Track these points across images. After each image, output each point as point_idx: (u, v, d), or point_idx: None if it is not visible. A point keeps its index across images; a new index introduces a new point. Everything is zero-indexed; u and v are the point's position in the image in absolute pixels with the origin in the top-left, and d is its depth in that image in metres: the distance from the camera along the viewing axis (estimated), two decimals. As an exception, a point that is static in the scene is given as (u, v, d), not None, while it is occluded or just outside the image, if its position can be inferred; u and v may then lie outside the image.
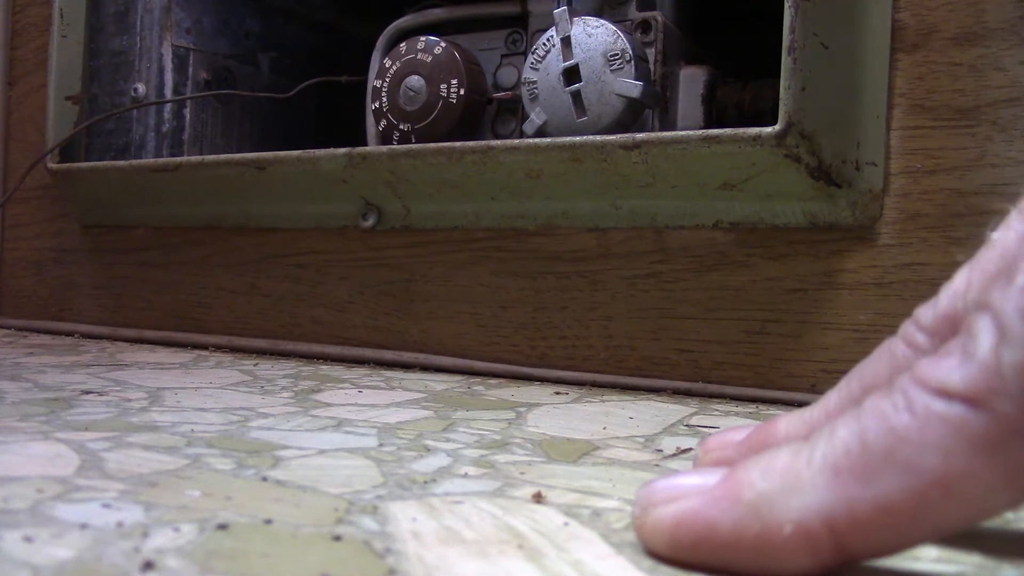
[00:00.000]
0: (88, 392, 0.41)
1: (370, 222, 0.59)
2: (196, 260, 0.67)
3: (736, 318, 0.49)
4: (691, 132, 0.45)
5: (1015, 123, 0.43)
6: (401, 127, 0.59)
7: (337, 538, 0.21)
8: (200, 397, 0.40)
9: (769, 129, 0.43)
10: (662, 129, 0.54)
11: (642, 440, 0.34)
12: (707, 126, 0.55)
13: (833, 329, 0.46)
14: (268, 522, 0.22)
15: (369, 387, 0.47)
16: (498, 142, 0.50)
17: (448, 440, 0.33)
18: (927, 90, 0.45)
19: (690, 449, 0.33)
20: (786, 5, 0.43)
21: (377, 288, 0.60)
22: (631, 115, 0.52)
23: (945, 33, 0.45)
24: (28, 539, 0.20)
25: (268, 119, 0.79)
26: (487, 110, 0.59)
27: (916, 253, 0.45)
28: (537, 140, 0.49)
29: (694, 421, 0.40)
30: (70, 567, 0.18)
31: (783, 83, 0.43)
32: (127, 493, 0.24)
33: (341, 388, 0.46)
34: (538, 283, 0.54)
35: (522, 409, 0.41)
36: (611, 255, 0.52)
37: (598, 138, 0.47)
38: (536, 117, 0.54)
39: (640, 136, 0.46)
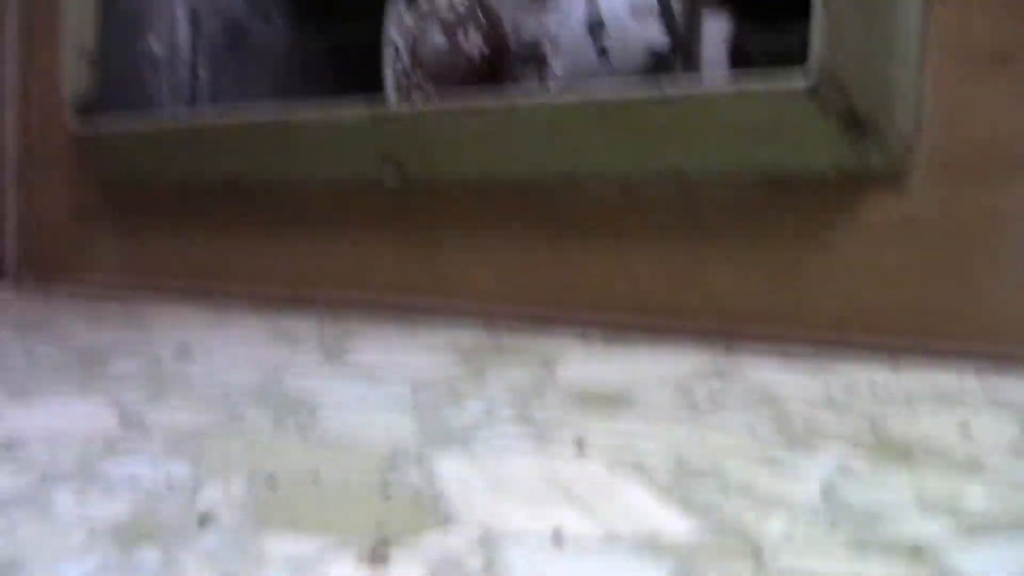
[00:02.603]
0: (119, 348, 0.41)
1: (392, 176, 0.58)
2: (218, 216, 0.67)
3: (762, 263, 0.48)
4: (721, 85, 0.44)
5: (1051, 67, 0.42)
6: (424, 85, 0.58)
7: (386, 489, 0.21)
8: (229, 351, 0.41)
9: (801, 81, 0.42)
10: (687, 72, 0.53)
11: (675, 383, 0.34)
12: (732, 69, 0.54)
13: (864, 275, 0.46)
14: (315, 475, 0.22)
15: (396, 342, 0.47)
16: (522, 97, 0.50)
17: (482, 390, 0.33)
18: (962, 33, 0.44)
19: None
20: (817, -52, 0.41)
21: (400, 241, 0.59)
22: (658, 67, 0.51)
23: (980, -25, 0.44)
24: (81, 496, 0.20)
25: (282, 68, 0.78)
26: (509, 60, 0.58)
27: (946, 198, 0.44)
28: (562, 95, 0.48)
29: (722, 366, 0.39)
30: (126, 523, 0.18)
31: (814, 30, 0.42)
32: (171, 448, 0.24)
33: (368, 345, 0.46)
34: (562, 235, 0.54)
35: (551, 362, 0.41)
36: (637, 206, 0.52)
37: (626, 93, 0.47)
38: (559, 70, 0.53)
39: (669, 91, 0.45)
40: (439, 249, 0.58)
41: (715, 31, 0.55)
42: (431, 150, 0.56)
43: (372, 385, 0.33)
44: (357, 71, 0.74)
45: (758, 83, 0.44)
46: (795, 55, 0.55)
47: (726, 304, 0.49)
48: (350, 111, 0.56)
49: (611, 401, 0.31)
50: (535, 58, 0.58)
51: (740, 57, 0.55)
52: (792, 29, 0.55)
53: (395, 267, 0.60)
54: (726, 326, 0.49)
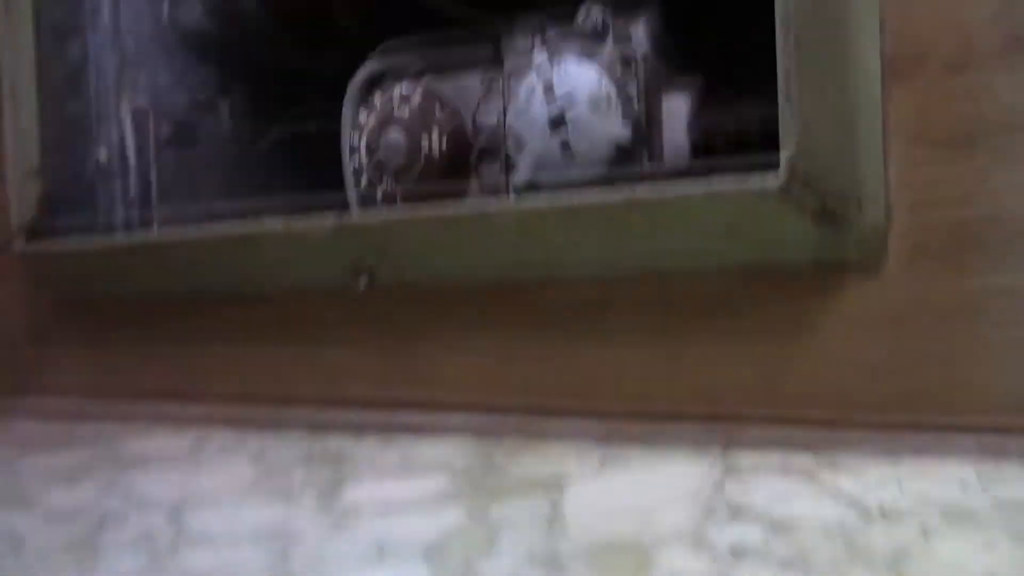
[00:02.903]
0: (106, 520, 0.40)
1: (363, 284, 0.58)
2: (184, 329, 0.65)
3: (749, 359, 0.48)
4: (692, 188, 0.44)
5: (1014, 149, 0.43)
6: (384, 184, 0.57)
7: None
8: (225, 516, 0.39)
9: (773, 181, 0.42)
10: (651, 159, 0.53)
11: (691, 533, 0.34)
12: (694, 154, 0.55)
13: (849, 365, 0.46)
14: None
15: (387, 470, 0.46)
16: (493, 205, 0.49)
17: (497, 558, 0.32)
18: (922, 119, 0.45)
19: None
20: (779, 51, 0.42)
21: (376, 350, 0.59)
22: (622, 158, 0.51)
23: (937, 59, 0.44)
24: None
25: (237, 165, 0.76)
26: (470, 156, 0.58)
27: (925, 285, 0.45)
28: (533, 202, 0.48)
29: (730, 492, 0.39)
30: None
31: (783, 131, 0.42)
32: None
33: (361, 479, 0.45)
34: (542, 335, 0.54)
35: (555, 492, 0.41)
36: (615, 303, 0.52)
37: (596, 198, 0.47)
38: (524, 168, 0.53)
39: (640, 195, 0.45)
40: (418, 355, 0.57)
41: (676, 110, 0.55)
42: (401, 257, 0.56)
43: (383, 561, 0.33)
44: (314, 162, 0.73)
45: (729, 184, 0.44)
46: (758, 130, 0.55)
47: (715, 400, 0.49)
48: (316, 223, 0.55)
49: (633, 566, 0.31)
50: (497, 153, 0.58)
51: (704, 135, 0.55)
52: (754, 102, 0.56)
53: (375, 376, 0.59)
54: (719, 424, 0.49)
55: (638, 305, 0.51)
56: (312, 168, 0.82)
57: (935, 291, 0.45)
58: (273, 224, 0.56)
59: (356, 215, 0.53)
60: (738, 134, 0.55)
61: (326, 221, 0.55)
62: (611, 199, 0.46)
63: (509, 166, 0.57)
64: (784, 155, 0.42)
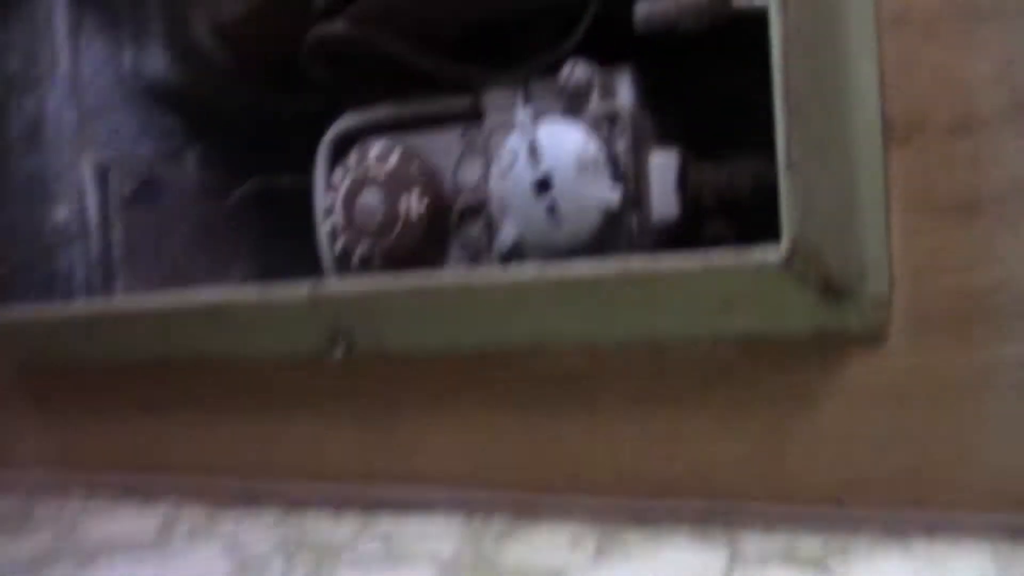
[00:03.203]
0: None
1: (340, 353, 0.55)
2: (148, 400, 0.62)
3: (748, 434, 0.46)
4: (689, 260, 0.42)
5: (1019, 215, 0.42)
6: (360, 247, 0.55)
7: None
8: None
9: (774, 255, 0.40)
10: (639, 223, 0.51)
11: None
12: (684, 215, 0.53)
13: (852, 441, 0.44)
14: None
15: (370, 560, 0.44)
16: (478, 276, 0.47)
17: None
18: (924, 184, 0.43)
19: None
20: (778, 117, 0.40)
21: (355, 421, 0.56)
22: (611, 224, 0.49)
23: (937, 123, 0.43)
24: None
25: (206, 222, 0.73)
26: (451, 219, 0.56)
27: (930, 357, 0.43)
28: (520, 274, 0.46)
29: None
30: None
31: (784, 202, 0.40)
32: None
33: (342, 571, 0.42)
34: (531, 407, 0.51)
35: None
36: (607, 374, 0.49)
37: (588, 270, 0.44)
38: (508, 232, 0.50)
39: (635, 268, 0.43)
40: (399, 427, 0.55)
41: (664, 167, 0.53)
42: (380, 326, 0.53)
43: None
44: (286, 218, 0.71)
45: (728, 258, 0.42)
46: (750, 185, 0.53)
47: (715, 476, 0.47)
48: (289, 292, 0.52)
49: None
50: (479, 213, 0.56)
51: (693, 191, 0.53)
52: (745, 161, 0.54)
53: (354, 448, 0.56)
54: (719, 504, 0.46)
55: (631, 375, 0.49)
56: (285, 224, 0.79)
57: (941, 363, 0.43)
58: (245, 293, 0.54)
59: (332, 284, 0.51)
60: (729, 189, 0.53)
61: (300, 290, 0.52)
62: (603, 272, 0.44)
63: (492, 226, 0.55)
64: (786, 228, 0.40)
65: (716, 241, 0.56)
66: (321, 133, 0.85)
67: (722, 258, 0.42)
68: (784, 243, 0.40)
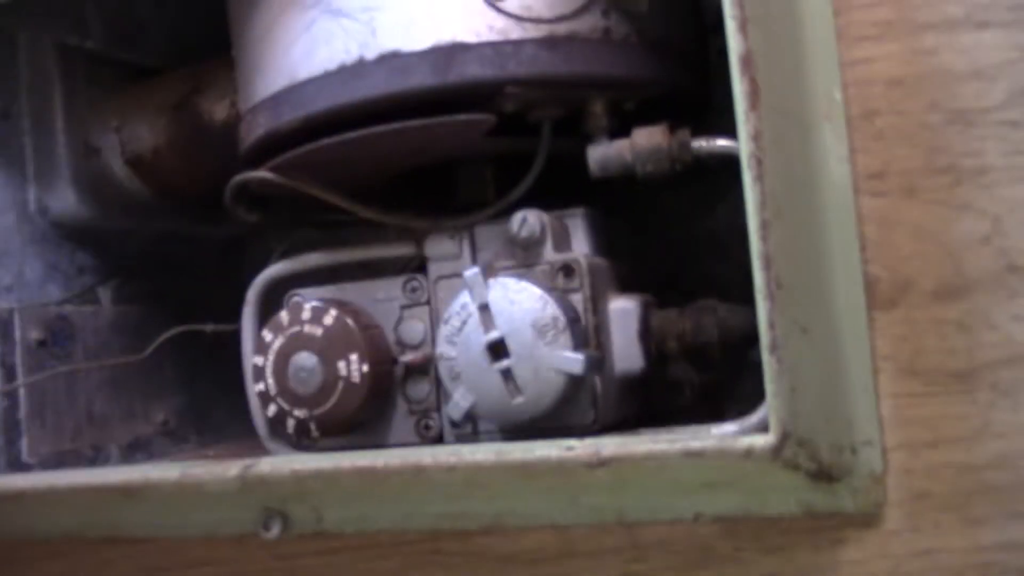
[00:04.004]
0: None
1: (274, 532, 0.49)
2: (56, 582, 0.55)
3: (736, 624, 0.42)
4: (668, 446, 0.38)
5: (1018, 386, 0.39)
6: (296, 413, 0.50)
7: None
8: None
9: (762, 442, 0.36)
10: (602, 381, 0.47)
11: None
12: (648, 366, 0.49)
13: (851, 630, 0.40)
14: None
15: None
16: (430, 460, 0.42)
17: None
18: (913, 352, 0.40)
19: None
20: (759, 297, 0.36)
21: (294, 610, 0.50)
22: (574, 387, 0.45)
23: (922, 287, 0.40)
24: None
25: (123, 373, 0.67)
26: (395, 380, 0.51)
27: (930, 538, 0.40)
28: (480, 458, 0.41)
29: None
30: None
31: (769, 387, 0.36)
32: None
33: None
34: (492, 593, 0.46)
35: None
36: (575, 554, 0.45)
37: (554, 453, 0.40)
38: (461, 400, 0.46)
39: (607, 453, 0.39)
40: (345, 620, 0.49)
41: (626, 315, 0.49)
42: (321, 504, 0.48)
43: None
44: (209, 351, 0.65)
45: (710, 443, 0.38)
46: (717, 334, 0.50)
47: (702, 678, 0.42)
48: (217, 472, 0.47)
49: None
50: (425, 371, 0.51)
51: (655, 345, 0.49)
52: (709, 310, 0.51)
53: (293, 644, 0.50)
54: None
55: (603, 556, 0.44)
56: (209, 358, 0.73)
57: (942, 545, 0.40)
58: (166, 472, 0.48)
59: (266, 465, 0.45)
60: (694, 337, 0.50)
61: (230, 471, 0.46)
62: (572, 456, 0.40)
63: (440, 387, 0.50)
64: (773, 415, 0.36)
65: (677, 387, 0.53)
66: (243, 257, 0.81)
67: (703, 442, 0.38)
68: (772, 431, 0.36)
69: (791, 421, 0.36)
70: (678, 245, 0.63)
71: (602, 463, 0.39)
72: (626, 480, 0.41)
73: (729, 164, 0.47)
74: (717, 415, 0.55)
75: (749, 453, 0.37)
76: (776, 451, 0.36)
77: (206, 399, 0.75)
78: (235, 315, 0.76)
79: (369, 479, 0.44)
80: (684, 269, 0.62)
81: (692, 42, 0.53)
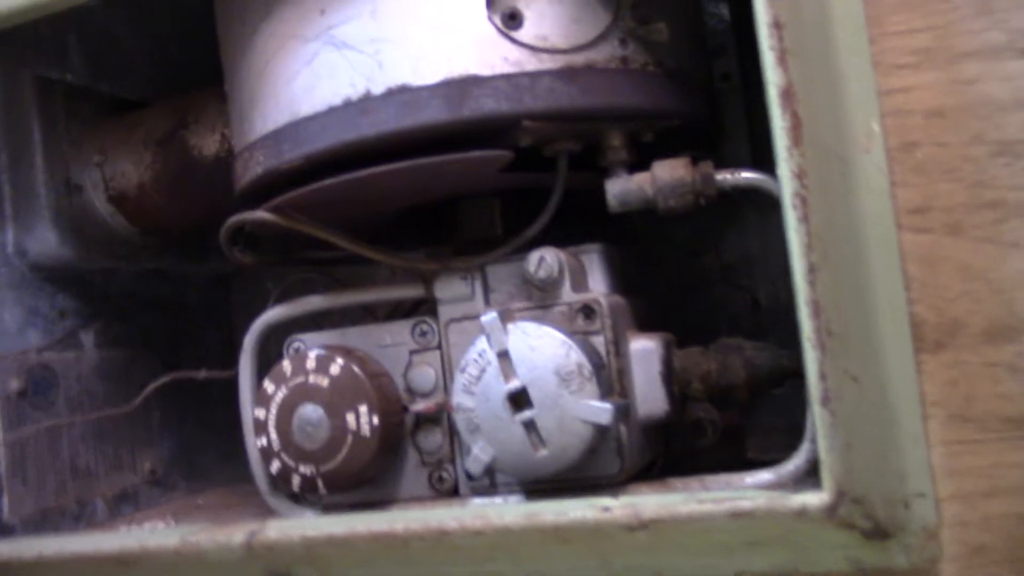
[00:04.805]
0: None
1: (283, 598, 0.46)
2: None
3: None
4: (714, 507, 0.35)
5: (1077, 430, 0.37)
6: (302, 470, 0.47)
7: None
8: None
9: (816, 501, 0.34)
10: (627, 428, 0.45)
11: None
12: (671, 407, 0.47)
13: None
14: None
15: None
16: (455, 524, 0.39)
17: None
18: (964, 397, 0.38)
19: None
20: (807, 345, 0.34)
21: None
22: (600, 438, 0.43)
23: (972, 328, 0.38)
24: None
25: (110, 422, 0.64)
26: (408, 432, 0.48)
27: (988, 592, 0.37)
28: (509, 521, 0.38)
29: None
30: None
31: (823, 443, 0.34)
32: None
33: None
34: (518, 659, 0.43)
35: None
36: (607, 617, 0.42)
37: (590, 515, 0.37)
38: (481, 453, 0.43)
39: (647, 515, 0.36)
40: None
41: (647, 355, 0.47)
42: (329, 571, 0.45)
43: None
44: (200, 394, 0.62)
45: (760, 502, 0.35)
46: (743, 379, 0.48)
47: None
48: (220, 539, 0.44)
49: None
50: (438, 421, 0.48)
51: (679, 386, 0.47)
52: (734, 349, 0.48)
53: None
54: None
55: (635, 618, 0.42)
56: (200, 401, 0.70)
57: (1001, 600, 0.37)
58: (165, 539, 0.45)
59: (273, 530, 0.42)
60: (720, 377, 0.47)
61: (235, 537, 0.43)
62: (609, 518, 0.37)
63: (455, 438, 0.47)
64: (826, 473, 0.34)
65: (699, 426, 0.50)
66: (229, 294, 0.78)
67: (752, 502, 0.36)
68: (826, 489, 0.34)
69: (846, 478, 0.34)
70: (685, 273, 0.60)
71: (643, 526, 0.37)
72: (665, 541, 0.38)
73: (747, 193, 0.45)
74: (738, 450, 0.52)
75: (802, 513, 0.35)
76: (831, 511, 0.34)
77: (193, 443, 0.72)
78: (222, 353, 0.73)
79: (386, 544, 0.41)
80: (691, 299, 0.60)
81: (702, 69, 0.51)
